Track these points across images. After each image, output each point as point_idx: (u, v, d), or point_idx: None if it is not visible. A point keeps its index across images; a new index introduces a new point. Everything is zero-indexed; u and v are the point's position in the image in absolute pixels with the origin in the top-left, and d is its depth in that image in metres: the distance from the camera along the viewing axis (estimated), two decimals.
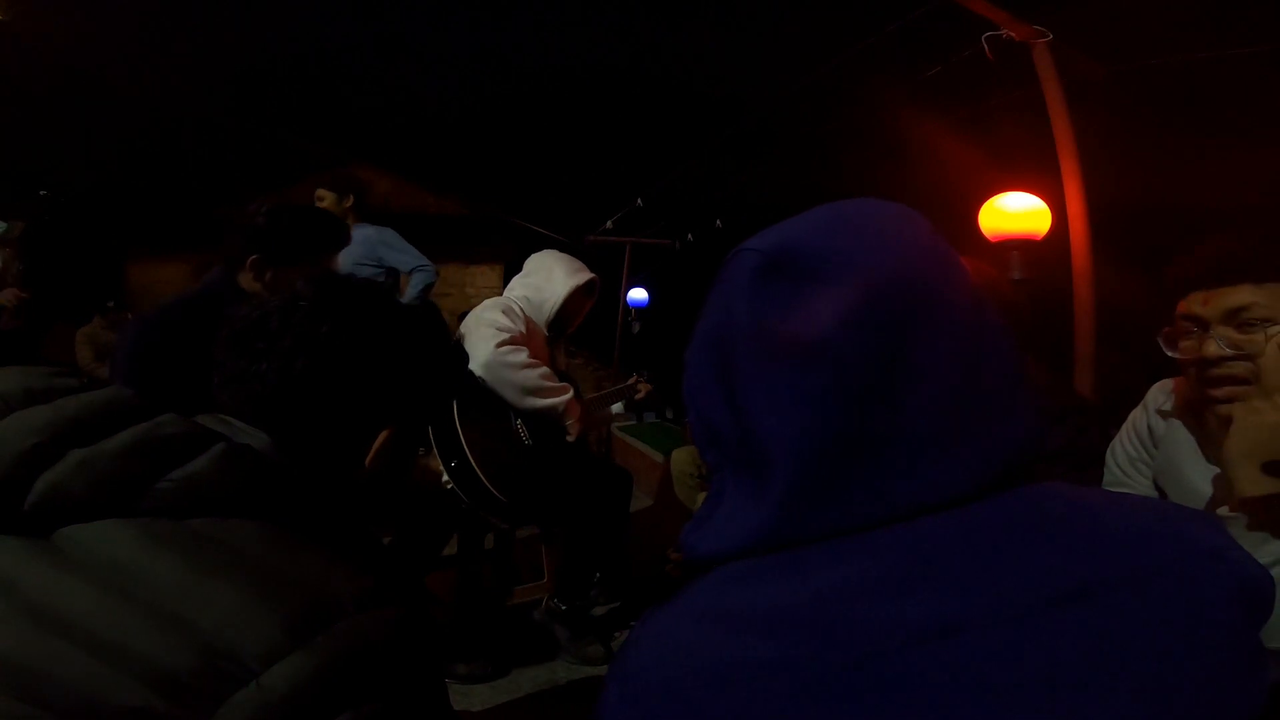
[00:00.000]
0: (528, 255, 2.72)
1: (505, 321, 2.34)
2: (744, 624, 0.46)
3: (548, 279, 2.56)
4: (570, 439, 2.49)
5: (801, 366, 0.46)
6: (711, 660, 0.45)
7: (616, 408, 2.93)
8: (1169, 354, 1.10)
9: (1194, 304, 1.05)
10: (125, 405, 0.62)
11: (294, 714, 0.51)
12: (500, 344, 2.27)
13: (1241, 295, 1.00)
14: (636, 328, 7.44)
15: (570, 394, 2.45)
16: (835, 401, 0.46)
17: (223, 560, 0.56)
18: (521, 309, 2.48)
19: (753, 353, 0.48)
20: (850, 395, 0.45)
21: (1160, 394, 1.26)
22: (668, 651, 0.48)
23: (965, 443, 0.47)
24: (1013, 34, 3.18)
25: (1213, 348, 1.02)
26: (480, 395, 2.31)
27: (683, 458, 3.55)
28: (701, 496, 3.27)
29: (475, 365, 2.29)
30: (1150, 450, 1.26)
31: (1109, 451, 1.34)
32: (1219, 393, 1.03)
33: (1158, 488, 1.24)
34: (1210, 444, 1.09)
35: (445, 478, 2.22)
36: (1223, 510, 0.95)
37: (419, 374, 0.81)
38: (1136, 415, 1.30)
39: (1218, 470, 1.08)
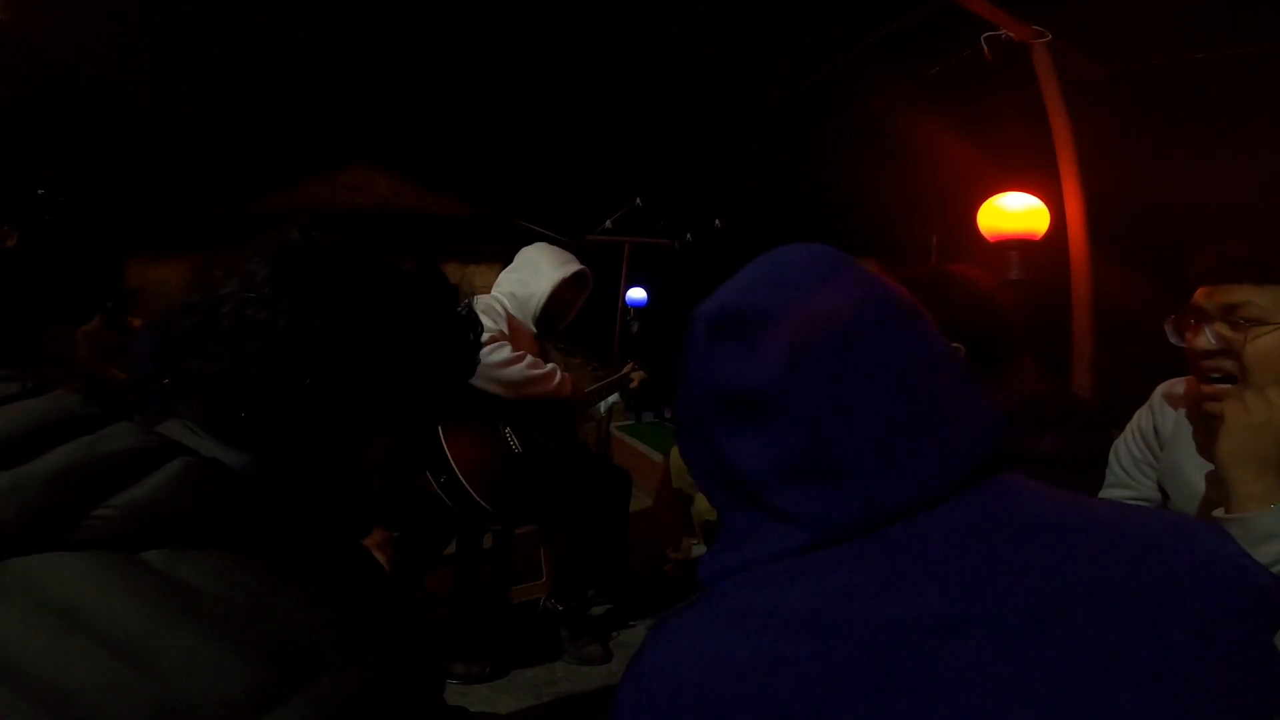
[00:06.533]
0: None
1: (485, 321, 2.29)
2: (759, 624, 0.47)
3: (534, 273, 2.51)
4: (577, 409, 2.47)
5: (758, 414, 0.51)
6: (727, 659, 0.46)
7: (613, 399, 2.91)
8: (1172, 341, 1.12)
9: (1200, 297, 1.07)
10: (65, 416, 0.53)
11: None
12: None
13: (1240, 293, 1.02)
14: (635, 327, 7.43)
15: (560, 373, 2.44)
16: (798, 435, 0.49)
17: (182, 602, 0.48)
18: (505, 306, 2.43)
19: (715, 409, 0.53)
20: (808, 427, 0.49)
21: (1167, 395, 1.24)
22: (683, 652, 0.48)
23: (929, 442, 0.50)
24: (1011, 34, 3.19)
25: (1202, 340, 1.05)
26: (465, 405, 2.27)
27: None
28: (700, 496, 3.27)
29: None
30: (1156, 452, 1.24)
31: (1112, 452, 1.33)
32: (1207, 387, 1.06)
33: (1161, 490, 1.23)
34: (1215, 445, 1.09)
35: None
36: (1218, 511, 0.95)
37: (415, 365, 0.66)
38: (1142, 416, 1.28)
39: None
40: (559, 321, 2.60)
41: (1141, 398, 1.30)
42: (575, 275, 2.54)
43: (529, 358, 2.34)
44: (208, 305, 0.60)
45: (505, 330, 2.35)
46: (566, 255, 2.58)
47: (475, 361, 0.73)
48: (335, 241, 0.66)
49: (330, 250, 0.65)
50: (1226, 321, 1.03)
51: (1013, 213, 3.13)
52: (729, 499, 0.55)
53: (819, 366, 0.49)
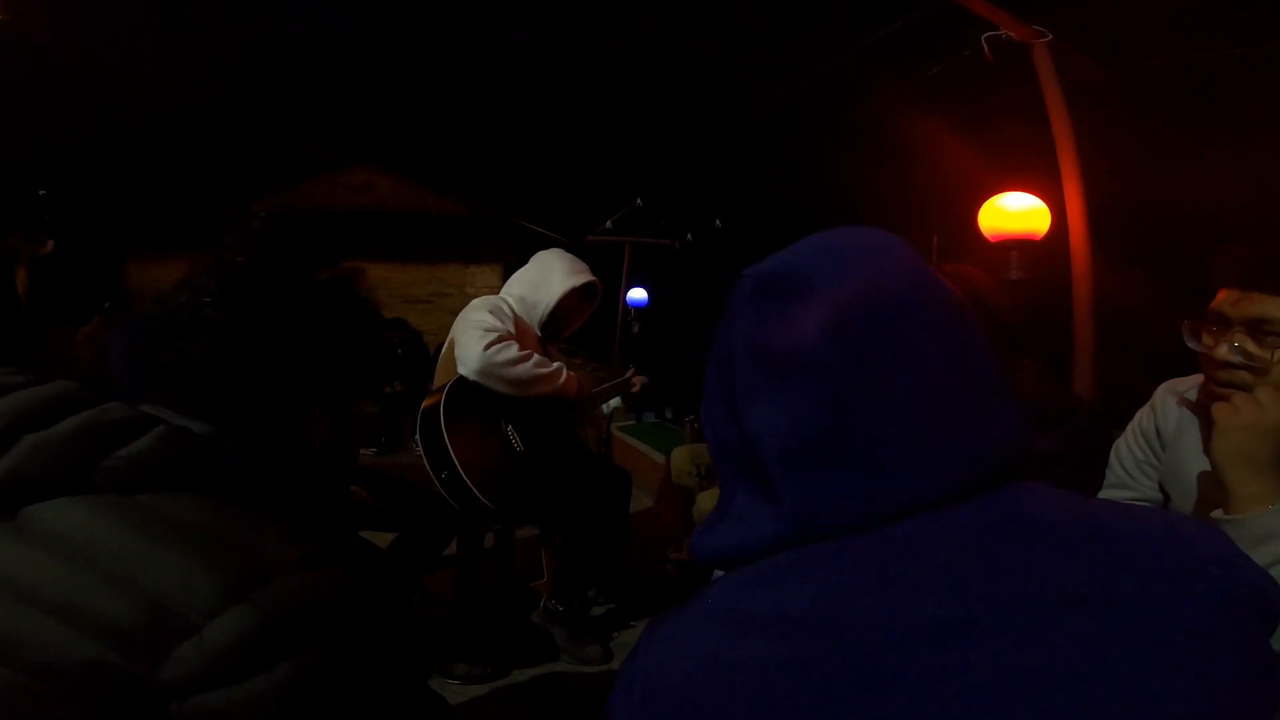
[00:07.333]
0: (527, 255, 2.67)
1: (492, 321, 2.29)
2: (752, 626, 0.46)
3: (546, 278, 2.51)
4: (582, 408, 2.46)
5: (788, 376, 0.49)
6: (720, 662, 0.45)
7: (615, 402, 2.93)
8: (1190, 345, 1.07)
9: (1224, 302, 1.02)
10: (72, 396, 0.68)
11: (235, 662, 0.56)
12: (488, 345, 2.21)
13: (1271, 306, 0.96)
14: (636, 327, 7.43)
15: (565, 371, 2.43)
16: (821, 407, 0.48)
17: (168, 529, 0.61)
18: (512, 308, 2.42)
19: (747, 366, 0.52)
20: (834, 401, 0.48)
21: (1168, 395, 1.22)
22: (677, 654, 0.47)
23: (951, 442, 0.49)
24: (1012, 34, 3.19)
25: (1224, 351, 1.00)
26: (468, 403, 2.26)
27: (682, 457, 3.54)
28: (701, 496, 3.28)
29: (466, 370, 2.23)
30: (1158, 453, 1.23)
31: (1112, 452, 1.32)
32: (1222, 393, 1.01)
33: (1162, 490, 1.22)
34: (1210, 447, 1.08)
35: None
36: (1217, 513, 0.94)
37: (334, 351, 0.85)
38: (1143, 416, 1.26)
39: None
40: (564, 329, 2.61)
41: (1142, 398, 1.29)
42: (586, 286, 2.55)
43: (535, 356, 2.34)
44: (170, 311, 0.77)
45: (511, 330, 2.35)
46: (581, 265, 2.58)
47: (385, 351, 0.90)
48: (266, 258, 0.86)
49: (264, 267, 0.84)
50: (1251, 335, 0.98)
51: (1013, 212, 3.13)
52: (734, 470, 0.54)
53: (859, 342, 0.48)
